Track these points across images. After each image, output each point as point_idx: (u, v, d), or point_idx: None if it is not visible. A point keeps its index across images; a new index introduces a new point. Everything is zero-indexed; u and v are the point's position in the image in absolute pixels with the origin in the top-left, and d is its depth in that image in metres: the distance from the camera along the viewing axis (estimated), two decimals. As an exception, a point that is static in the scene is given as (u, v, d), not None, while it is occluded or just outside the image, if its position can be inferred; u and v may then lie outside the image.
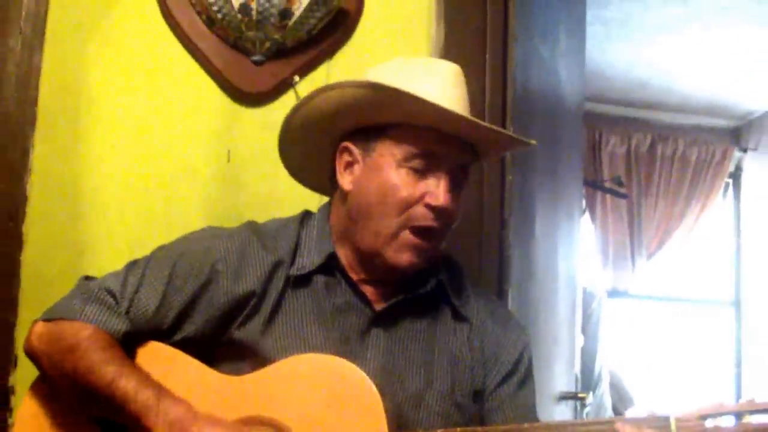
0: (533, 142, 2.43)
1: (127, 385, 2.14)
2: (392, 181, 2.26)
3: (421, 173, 2.25)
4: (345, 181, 2.35)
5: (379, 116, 2.29)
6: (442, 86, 2.31)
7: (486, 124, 2.36)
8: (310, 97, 2.35)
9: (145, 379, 2.18)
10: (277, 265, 2.34)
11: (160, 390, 2.16)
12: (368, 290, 2.37)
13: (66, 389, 2.24)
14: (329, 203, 2.49)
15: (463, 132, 2.30)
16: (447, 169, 2.27)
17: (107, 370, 2.16)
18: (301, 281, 2.35)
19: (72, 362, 2.19)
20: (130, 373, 2.18)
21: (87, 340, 2.22)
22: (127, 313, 2.30)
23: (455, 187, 2.30)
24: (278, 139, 2.47)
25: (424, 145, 2.26)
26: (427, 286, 2.40)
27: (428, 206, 2.25)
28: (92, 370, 2.17)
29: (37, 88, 2.95)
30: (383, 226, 2.26)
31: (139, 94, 3.06)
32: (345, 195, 2.36)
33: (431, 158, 2.26)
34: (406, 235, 2.26)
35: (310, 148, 2.47)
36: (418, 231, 2.26)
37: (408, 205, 2.25)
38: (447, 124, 2.25)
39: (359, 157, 2.33)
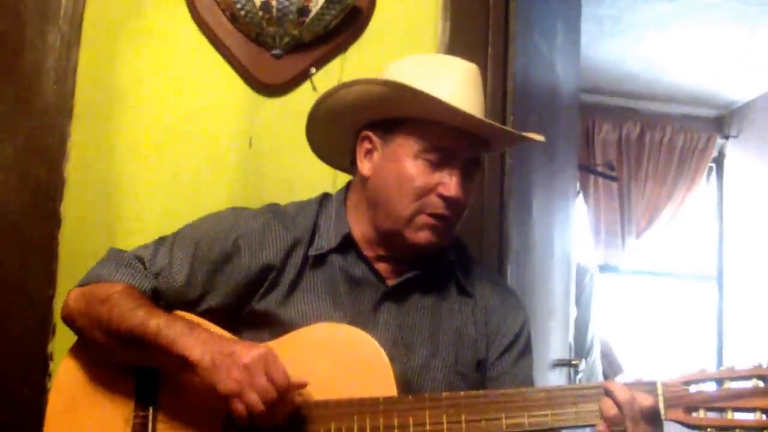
0: (541, 138, 2.42)
1: (159, 320, 2.15)
2: (409, 171, 2.26)
3: (436, 165, 2.26)
4: (365, 167, 2.36)
5: (399, 110, 2.30)
6: (459, 85, 2.31)
7: (499, 125, 2.37)
8: (336, 90, 2.35)
9: (174, 316, 2.21)
10: (295, 244, 2.35)
11: (190, 322, 2.18)
12: (381, 267, 2.37)
13: (101, 340, 2.24)
14: (347, 186, 2.50)
15: (476, 129, 2.29)
16: (460, 162, 2.27)
17: (138, 312, 2.17)
18: (319, 260, 2.35)
19: (105, 311, 2.20)
20: (160, 313, 2.20)
21: (118, 292, 2.24)
22: (156, 279, 2.32)
23: (467, 179, 2.30)
24: (305, 125, 2.47)
25: (440, 139, 2.26)
26: (437, 264, 2.40)
27: (441, 196, 2.25)
28: (124, 314, 2.18)
29: (74, 82, 2.97)
30: (400, 210, 2.27)
31: (168, 85, 3.06)
32: (364, 180, 2.37)
33: (446, 152, 2.26)
34: (422, 217, 2.26)
35: (333, 135, 2.47)
36: (432, 216, 2.26)
37: (423, 193, 2.25)
38: (462, 121, 2.25)
39: (378, 146, 2.34)
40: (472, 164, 2.33)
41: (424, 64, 2.39)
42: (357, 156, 2.38)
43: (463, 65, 2.39)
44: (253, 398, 2.00)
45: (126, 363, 2.27)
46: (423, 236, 2.27)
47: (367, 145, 2.36)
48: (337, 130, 2.45)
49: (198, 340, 2.10)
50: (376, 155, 2.34)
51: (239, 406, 2.02)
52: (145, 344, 2.15)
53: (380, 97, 2.28)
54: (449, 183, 2.24)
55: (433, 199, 2.26)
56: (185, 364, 2.09)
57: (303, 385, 2.09)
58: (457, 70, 2.36)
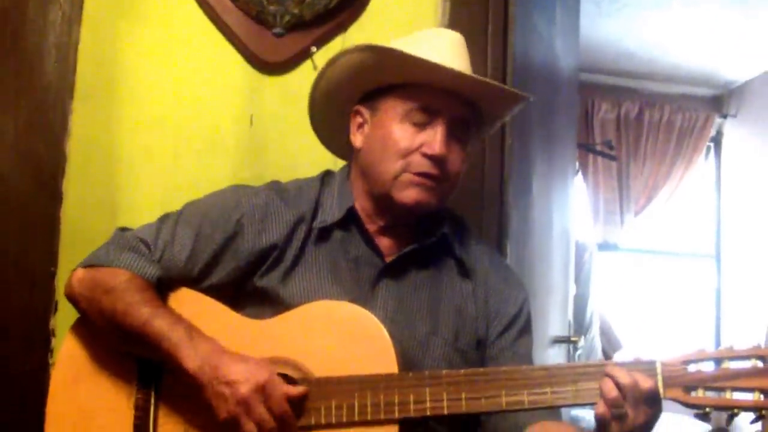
0: (526, 95, 2.43)
1: (161, 324, 2.15)
2: (394, 133, 2.28)
3: (421, 126, 2.28)
4: (357, 140, 2.39)
5: (383, 78, 2.33)
6: (441, 48, 2.32)
7: (474, 75, 2.34)
8: (324, 71, 2.40)
9: (178, 319, 2.19)
10: (298, 221, 2.35)
11: (192, 328, 2.16)
12: (382, 243, 2.37)
13: (104, 329, 2.25)
14: (349, 164, 2.49)
15: (458, 87, 2.30)
16: (444, 122, 2.28)
17: (143, 311, 2.17)
18: (322, 235, 2.35)
19: (110, 304, 2.20)
20: (163, 313, 2.19)
21: (123, 283, 2.23)
22: (159, 261, 2.30)
23: (454, 139, 2.31)
24: (308, 111, 2.51)
25: (422, 100, 2.29)
26: (432, 237, 2.39)
27: (424, 155, 2.25)
28: (128, 310, 2.17)
29: (75, 59, 2.95)
30: (385, 172, 2.28)
31: (169, 64, 3.04)
32: (358, 152, 2.39)
33: (429, 112, 2.28)
34: (407, 176, 2.27)
35: (333, 117, 2.49)
36: (417, 174, 2.26)
37: (407, 153, 2.27)
38: (440, 78, 2.27)
39: (368, 117, 2.37)
40: (459, 125, 2.33)
41: (413, 35, 2.43)
42: (351, 132, 2.41)
43: (447, 33, 2.43)
44: (250, 429, 2.04)
45: (126, 352, 2.26)
46: (409, 194, 2.27)
47: (358, 119, 2.40)
48: (335, 112, 2.47)
49: (197, 352, 2.11)
50: (366, 127, 2.38)
51: None
52: (146, 345, 2.16)
53: (364, 64, 2.33)
54: (432, 141, 2.26)
55: (417, 158, 2.27)
56: (184, 373, 2.11)
57: (304, 394, 2.10)
58: (441, 36, 2.41)
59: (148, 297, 2.23)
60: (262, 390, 2.04)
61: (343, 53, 2.35)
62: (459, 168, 2.34)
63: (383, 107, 2.34)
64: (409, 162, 2.26)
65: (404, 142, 2.27)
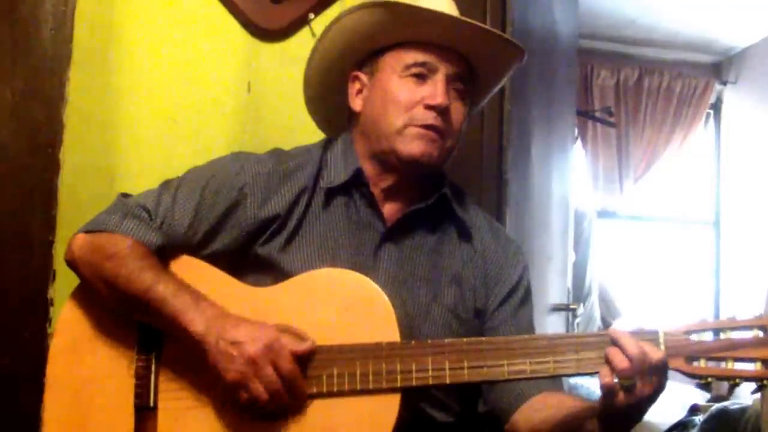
0: (521, 46, 2.45)
1: (165, 289, 2.14)
2: (395, 89, 2.32)
3: (421, 80, 2.31)
4: (356, 104, 2.41)
5: (378, 39, 2.37)
6: (433, 4, 2.34)
7: (467, 19, 2.36)
8: (319, 41, 2.45)
9: (182, 284, 2.19)
10: (301, 189, 2.35)
11: (197, 293, 2.16)
12: (385, 208, 2.38)
13: (106, 295, 2.24)
14: (350, 132, 2.48)
15: (454, 40, 2.33)
16: (443, 75, 2.32)
17: (146, 276, 2.17)
18: (326, 199, 2.37)
19: (112, 269, 2.20)
20: (167, 279, 2.19)
21: (126, 249, 2.22)
22: (161, 228, 2.30)
23: (454, 94, 2.34)
24: (304, 95, 2.57)
25: (420, 55, 2.32)
26: (431, 198, 2.40)
27: (427, 106, 2.28)
28: (131, 276, 2.17)
29: (72, 26, 2.92)
30: (389, 127, 2.30)
31: (166, 31, 3.03)
32: (358, 116, 2.41)
33: (427, 67, 2.32)
34: (412, 129, 2.29)
35: (328, 94, 2.53)
36: (423, 127, 2.28)
37: (409, 107, 2.29)
38: (437, 32, 2.31)
39: (367, 81, 2.40)
40: (456, 81, 2.36)
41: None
42: (349, 98, 2.43)
43: None
44: (257, 390, 2.04)
45: (129, 318, 2.26)
46: (416, 146, 2.29)
47: (357, 85, 2.43)
48: (329, 88, 2.51)
49: (203, 316, 2.10)
50: (366, 90, 2.40)
51: (243, 395, 2.06)
52: (150, 310, 2.16)
53: (357, 25, 2.37)
54: (433, 93, 2.29)
55: (420, 111, 2.29)
56: (188, 338, 2.10)
57: (311, 350, 2.11)
58: None
59: (151, 263, 2.22)
60: (270, 349, 2.04)
61: (335, 20, 2.39)
62: (460, 124, 2.37)
63: (381, 66, 2.37)
64: (412, 115, 2.28)
65: (406, 96, 2.29)
